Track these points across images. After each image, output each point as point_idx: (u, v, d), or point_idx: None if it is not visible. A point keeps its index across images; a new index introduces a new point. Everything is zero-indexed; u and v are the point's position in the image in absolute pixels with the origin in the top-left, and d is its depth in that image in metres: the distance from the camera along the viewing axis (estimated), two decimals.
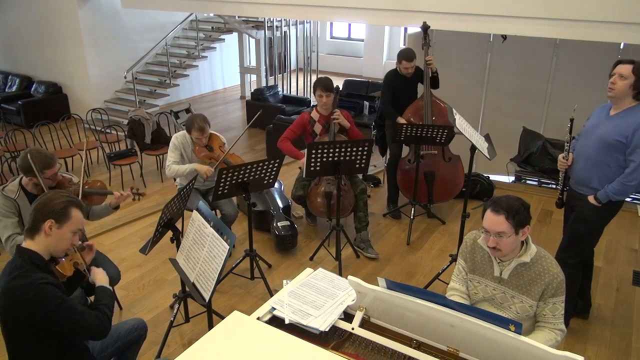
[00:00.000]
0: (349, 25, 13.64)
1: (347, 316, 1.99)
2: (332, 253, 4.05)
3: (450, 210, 4.97)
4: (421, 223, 4.71)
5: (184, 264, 2.56)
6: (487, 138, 3.64)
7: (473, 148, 3.37)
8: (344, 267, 3.95)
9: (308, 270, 2.28)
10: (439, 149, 4.56)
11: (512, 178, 6.04)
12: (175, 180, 4.13)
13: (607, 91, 2.82)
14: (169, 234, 2.81)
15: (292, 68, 10.67)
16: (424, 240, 4.46)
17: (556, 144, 5.66)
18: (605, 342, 3.21)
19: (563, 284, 2.11)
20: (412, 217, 4.45)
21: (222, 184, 3.24)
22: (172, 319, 3.01)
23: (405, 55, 4.40)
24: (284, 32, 10.02)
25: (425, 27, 4.52)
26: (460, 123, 3.41)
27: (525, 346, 1.63)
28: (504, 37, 6.19)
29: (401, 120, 4.44)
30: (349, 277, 1.91)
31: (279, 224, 4.23)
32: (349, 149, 3.53)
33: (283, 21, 9.83)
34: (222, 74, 11.45)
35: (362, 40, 13.34)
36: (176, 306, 3.06)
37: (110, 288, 2.25)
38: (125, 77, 8.92)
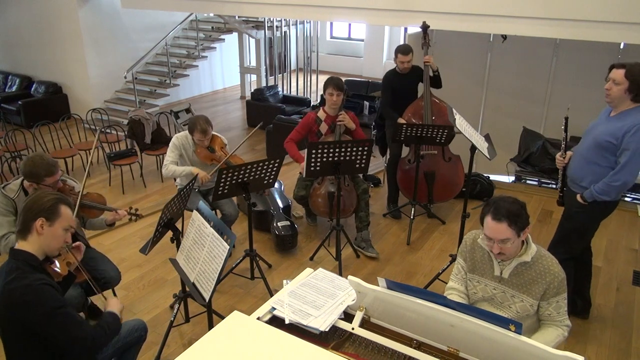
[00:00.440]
0: (349, 25, 13.64)
1: (347, 316, 1.99)
2: (332, 253, 4.05)
3: (450, 210, 4.97)
4: (421, 223, 4.71)
5: (184, 264, 2.56)
6: (487, 138, 3.64)
7: (473, 148, 3.37)
8: (344, 267, 3.95)
9: (308, 270, 2.28)
10: (439, 149, 4.56)
11: (512, 178, 6.04)
12: (175, 180, 4.12)
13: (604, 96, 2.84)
14: (169, 234, 2.81)
15: (292, 68, 10.67)
16: (424, 240, 4.46)
17: (556, 143, 5.66)
18: (605, 342, 3.21)
19: (564, 282, 2.12)
20: (412, 217, 4.45)
21: (222, 184, 3.24)
22: (172, 319, 3.01)
23: (402, 49, 4.42)
24: (284, 32, 10.03)
25: (425, 27, 4.52)
26: (460, 123, 3.41)
27: (525, 346, 1.63)
28: (504, 37, 6.20)
29: (401, 121, 4.43)
30: (349, 277, 1.91)
31: (279, 224, 4.23)
32: (349, 149, 3.53)
33: (283, 21, 9.83)
34: (222, 74, 11.46)
35: (362, 40, 13.34)
36: (176, 306, 3.06)
37: (119, 316, 2.21)
38: (125, 77, 8.92)
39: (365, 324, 1.95)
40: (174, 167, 3.81)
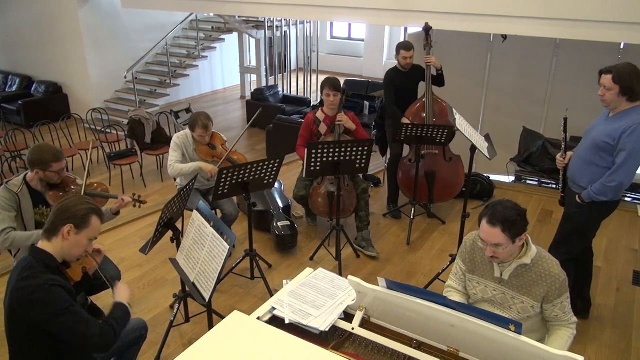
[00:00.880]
0: (349, 25, 13.64)
1: (347, 316, 1.99)
2: (332, 253, 4.05)
3: (451, 210, 4.97)
4: (421, 223, 4.71)
5: (184, 263, 2.56)
6: (487, 138, 3.65)
7: (473, 148, 3.37)
8: (344, 267, 3.95)
9: (308, 270, 2.28)
10: (440, 149, 4.57)
11: (512, 178, 6.04)
12: (175, 180, 4.12)
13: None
14: (169, 234, 2.81)
15: (292, 68, 10.67)
16: (424, 240, 4.46)
17: (556, 143, 5.66)
18: (605, 342, 3.21)
19: (566, 283, 2.12)
20: (412, 217, 4.45)
21: (222, 184, 3.24)
22: (172, 319, 3.01)
23: (404, 45, 4.43)
24: (284, 32, 10.03)
25: (428, 28, 4.52)
26: (461, 123, 3.41)
27: (525, 346, 1.63)
28: (504, 37, 6.20)
29: (406, 121, 4.43)
30: (349, 277, 1.91)
31: (279, 223, 4.23)
32: (349, 149, 3.53)
33: (283, 21, 9.83)
34: (222, 74, 11.46)
35: (362, 40, 13.34)
36: (176, 306, 3.06)
37: (129, 306, 2.21)
38: (125, 77, 8.93)
39: (365, 324, 1.95)
40: (180, 166, 3.80)
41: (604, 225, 3.20)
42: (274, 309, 2.00)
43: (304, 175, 3.79)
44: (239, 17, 9.19)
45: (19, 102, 8.46)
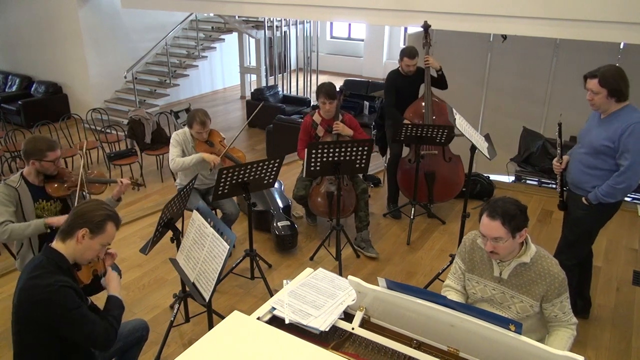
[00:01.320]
0: (349, 25, 13.64)
1: (347, 316, 1.99)
2: (332, 253, 4.05)
3: (450, 210, 4.97)
4: (421, 223, 4.71)
5: (184, 264, 2.56)
6: (487, 138, 3.65)
7: (473, 148, 3.37)
8: (344, 267, 3.95)
9: (308, 270, 2.28)
10: (440, 149, 4.56)
11: (512, 178, 6.04)
12: (175, 180, 4.12)
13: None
14: (169, 234, 2.81)
15: (292, 68, 10.67)
16: (424, 240, 4.46)
17: (556, 143, 5.66)
18: (605, 342, 3.20)
19: (565, 282, 2.12)
20: (412, 217, 4.45)
21: (222, 184, 3.24)
22: (172, 319, 3.01)
23: (408, 52, 4.40)
24: (284, 32, 10.03)
25: (427, 26, 4.51)
26: (461, 123, 3.41)
27: (525, 346, 1.63)
28: (504, 37, 6.20)
29: (406, 121, 4.43)
30: (349, 277, 1.91)
31: (279, 224, 4.23)
32: (349, 149, 3.53)
33: (283, 21, 9.83)
34: (222, 74, 11.46)
35: (362, 40, 13.34)
36: (176, 306, 3.06)
37: (121, 298, 2.24)
38: (125, 77, 8.93)
39: (365, 324, 1.95)
40: (181, 160, 3.80)
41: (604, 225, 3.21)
42: (274, 309, 2.00)
43: (304, 175, 3.79)
44: (238, 17, 9.19)
45: (19, 102, 8.46)
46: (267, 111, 8.18)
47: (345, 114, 4.21)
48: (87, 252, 2.10)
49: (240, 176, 3.29)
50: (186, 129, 3.89)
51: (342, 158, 3.55)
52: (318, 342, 1.83)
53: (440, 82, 4.49)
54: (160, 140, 6.41)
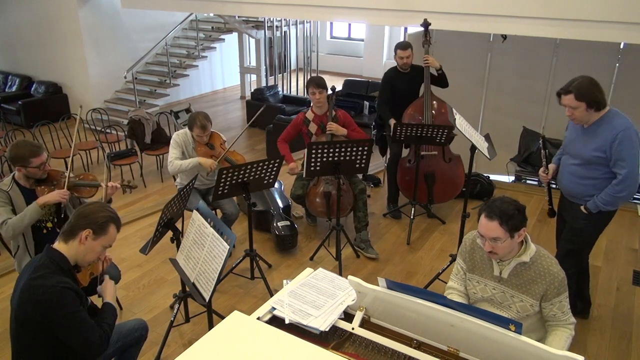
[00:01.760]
0: (349, 25, 13.64)
1: (347, 316, 1.99)
2: (332, 253, 4.05)
3: (450, 210, 4.97)
4: (421, 223, 4.71)
5: (184, 264, 2.56)
6: (487, 138, 3.65)
7: (473, 148, 3.37)
8: (344, 267, 3.95)
9: (308, 270, 2.28)
10: (439, 150, 4.56)
11: (512, 178, 6.04)
12: (175, 180, 4.13)
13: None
14: (169, 234, 2.81)
15: (292, 68, 10.67)
16: (424, 240, 4.46)
17: (556, 143, 5.65)
18: (605, 342, 3.20)
19: (565, 281, 2.12)
20: (412, 217, 4.45)
21: (222, 184, 3.24)
22: (172, 319, 3.01)
23: (400, 44, 4.43)
24: (284, 32, 10.03)
25: (426, 24, 4.50)
26: (460, 123, 3.41)
27: (525, 346, 1.63)
28: (504, 36, 6.19)
29: (392, 121, 4.38)
30: (349, 277, 1.91)
31: (279, 224, 4.23)
32: (349, 149, 3.53)
33: (283, 21, 9.83)
34: (222, 74, 11.46)
35: (362, 40, 13.34)
36: (176, 306, 3.06)
37: (116, 305, 2.26)
38: (125, 77, 8.93)
39: (365, 324, 1.95)
40: (179, 162, 3.82)
41: None
42: (274, 309, 2.00)
43: (304, 175, 3.79)
44: (238, 17, 9.19)
45: (19, 102, 8.46)
46: (267, 111, 8.17)
47: (338, 109, 4.22)
48: (89, 253, 2.11)
49: (240, 176, 3.29)
50: (187, 129, 3.89)
51: (342, 158, 3.55)
52: (318, 342, 1.83)
53: (440, 80, 4.48)
54: (160, 141, 6.41)
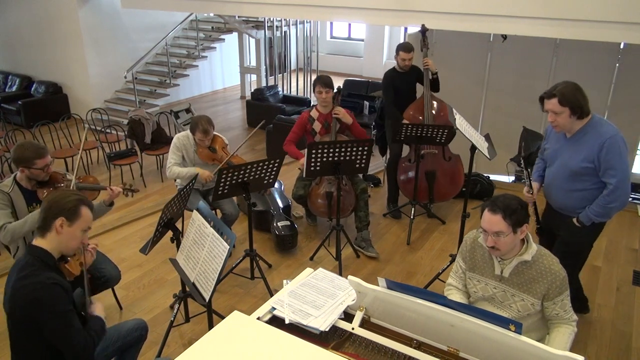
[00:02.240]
0: (349, 25, 13.63)
1: (347, 316, 1.99)
2: (332, 253, 4.05)
3: (450, 210, 4.97)
4: (421, 223, 4.71)
5: (184, 264, 2.56)
6: (487, 138, 3.65)
7: (473, 148, 3.37)
8: (344, 267, 3.95)
9: (308, 270, 2.28)
10: (439, 148, 4.57)
11: (512, 178, 6.04)
12: (175, 180, 4.13)
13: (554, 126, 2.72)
14: (169, 234, 2.81)
15: (292, 68, 10.66)
16: (424, 240, 4.46)
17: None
18: (605, 342, 3.21)
19: (566, 280, 2.13)
20: (412, 217, 4.45)
21: (222, 184, 3.25)
22: (172, 319, 3.01)
23: (404, 47, 4.45)
24: (284, 32, 10.02)
25: (424, 30, 4.55)
26: (460, 123, 3.41)
27: (525, 346, 1.63)
28: (504, 36, 6.19)
29: (405, 121, 4.45)
30: (349, 277, 1.91)
31: (279, 224, 4.23)
32: (349, 149, 3.53)
33: (283, 21, 9.82)
34: (222, 74, 11.45)
35: (362, 40, 13.33)
36: (176, 306, 3.06)
37: (104, 320, 2.24)
38: (125, 77, 8.92)
39: (365, 324, 1.95)
40: (177, 169, 3.82)
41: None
42: (274, 309, 2.00)
43: (303, 175, 3.79)
44: (238, 17, 9.18)
45: (19, 102, 8.45)
46: (267, 111, 8.18)
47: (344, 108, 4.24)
48: (71, 241, 2.08)
49: (240, 176, 3.29)
50: (189, 132, 3.88)
51: (342, 158, 3.55)
52: (318, 342, 1.83)
53: (433, 84, 4.54)
54: (160, 141, 6.40)
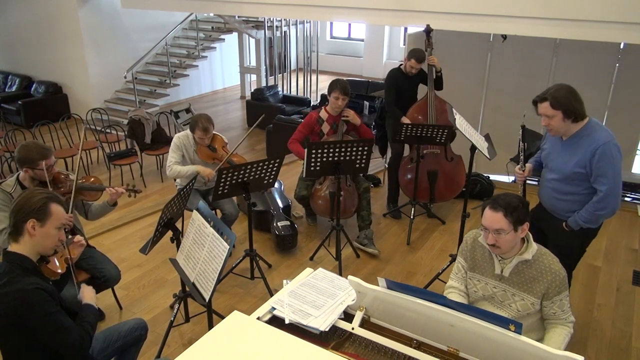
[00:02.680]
0: (349, 25, 13.63)
1: (347, 316, 1.99)
2: (332, 253, 4.05)
3: (450, 210, 4.97)
4: (421, 223, 4.71)
5: (184, 263, 2.56)
6: (487, 138, 3.65)
7: (473, 148, 3.38)
8: (344, 267, 3.95)
9: (308, 270, 2.28)
10: (441, 148, 4.58)
11: (512, 178, 6.03)
12: (175, 180, 4.12)
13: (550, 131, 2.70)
14: (169, 234, 2.81)
15: (292, 68, 10.66)
16: (424, 240, 4.46)
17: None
18: (605, 342, 3.21)
19: (566, 280, 2.13)
20: (412, 217, 4.45)
21: (222, 184, 3.24)
22: (172, 319, 3.01)
23: (417, 55, 4.42)
24: (284, 32, 10.02)
25: (428, 30, 4.55)
26: (460, 123, 3.41)
27: (525, 346, 1.63)
28: (504, 36, 6.19)
29: (405, 120, 4.45)
30: (349, 277, 1.91)
31: (279, 223, 4.23)
32: (348, 149, 3.53)
33: (283, 21, 9.82)
34: (222, 74, 11.45)
35: (362, 40, 13.33)
36: (176, 306, 3.06)
37: (96, 306, 2.21)
38: (125, 77, 8.92)
39: (365, 323, 1.95)
40: (178, 168, 3.81)
41: (604, 225, 3.19)
42: (274, 309, 2.00)
43: (304, 175, 3.79)
44: (238, 17, 9.18)
45: (19, 102, 8.45)
46: (267, 111, 8.17)
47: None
48: (46, 240, 2.02)
49: (240, 176, 3.29)
50: (188, 132, 3.88)
51: (342, 158, 3.55)
52: (318, 342, 1.83)
53: (437, 83, 4.53)
54: (160, 140, 6.40)
